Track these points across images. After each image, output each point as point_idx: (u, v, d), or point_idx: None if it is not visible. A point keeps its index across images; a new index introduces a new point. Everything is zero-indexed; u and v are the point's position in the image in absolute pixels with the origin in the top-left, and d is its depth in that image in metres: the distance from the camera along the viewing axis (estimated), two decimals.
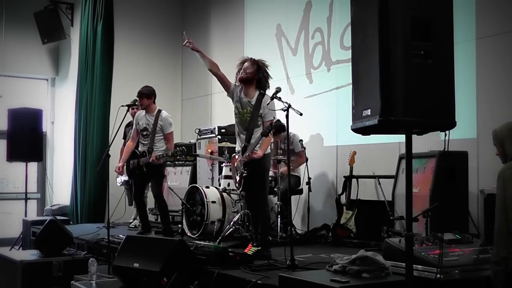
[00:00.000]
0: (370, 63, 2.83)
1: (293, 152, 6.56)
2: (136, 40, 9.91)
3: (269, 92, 5.19)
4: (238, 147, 5.34)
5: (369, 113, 2.83)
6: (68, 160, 9.60)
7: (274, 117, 5.20)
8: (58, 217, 7.16)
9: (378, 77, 2.74)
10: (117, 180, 7.94)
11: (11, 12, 9.71)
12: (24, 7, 9.78)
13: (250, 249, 5.03)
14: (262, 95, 5.15)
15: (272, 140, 6.89)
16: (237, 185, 5.33)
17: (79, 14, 9.55)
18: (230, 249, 4.89)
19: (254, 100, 5.14)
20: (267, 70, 5.23)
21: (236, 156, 5.33)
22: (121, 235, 6.06)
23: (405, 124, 2.84)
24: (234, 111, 5.27)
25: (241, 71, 5.17)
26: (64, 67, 10.25)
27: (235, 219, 6.13)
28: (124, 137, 8.01)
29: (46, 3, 9.78)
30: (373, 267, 3.45)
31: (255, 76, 5.14)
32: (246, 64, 5.18)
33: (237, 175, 5.26)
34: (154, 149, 6.37)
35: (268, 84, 5.25)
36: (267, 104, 5.06)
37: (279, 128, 6.13)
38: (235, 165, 5.30)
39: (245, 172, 5.07)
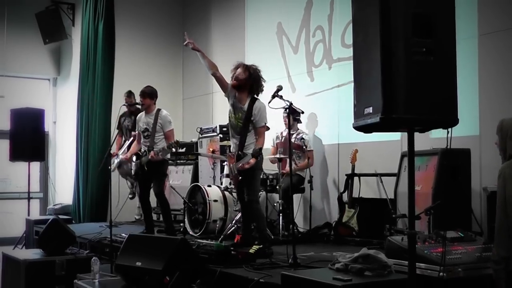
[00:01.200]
0: (371, 61, 2.82)
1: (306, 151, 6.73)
2: (137, 40, 9.91)
3: (263, 96, 5.31)
4: (232, 147, 5.46)
5: (371, 111, 2.82)
6: (70, 159, 9.61)
7: (265, 123, 5.34)
8: (61, 216, 7.16)
9: (379, 75, 2.74)
10: (112, 167, 7.83)
11: (13, 12, 9.72)
12: (26, 7, 9.79)
13: (248, 247, 5.05)
14: (254, 100, 5.27)
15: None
16: (233, 183, 5.53)
17: (80, 14, 9.56)
18: (232, 248, 4.90)
19: (246, 106, 5.27)
20: (260, 75, 5.33)
21: (231, 156, 5.44)
22: (123, 234, 6.06)
23: (407, 122, 2.83)
24: (228, 114, 5.43)
25: (234, 77, 5.28)
26: (66, 67, 10.25)
27: (237, 217, 6.14)
28: (118, 127, 8.04)
29: (47, 3, 9.78)
30: (375, 265, 3.44)
31: (248, 82, 5.25)
32: (238, 70, 5.28)
33: (233, 174, 5.40)
34: (155, 148, 6.37)
35: (262, 88, 5.35)
36: (260, 110, 5.21)
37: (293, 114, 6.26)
38: (231, 166, 5.42)
39: (240, 177, 5.26)
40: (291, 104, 4.92)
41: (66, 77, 10.23)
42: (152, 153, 6.25)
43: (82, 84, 9.32)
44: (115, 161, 7.86)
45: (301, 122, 6.87)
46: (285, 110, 5.13)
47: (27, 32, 9.84)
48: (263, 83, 5.34)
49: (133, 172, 6.72)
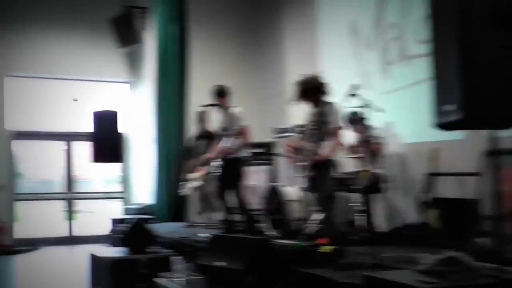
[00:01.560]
0: (450, 57, 2.75)
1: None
2: (211, 42, 10.06)
3: (339, 95, 5.49)
4: (308, 150, 5.69)
5: (452, 108, 2.76)
6: (149, 160, 9.89)
7: (340, 125, 5.63)
8: (142, 216, 7.40)
9: (459, 71, 2.67)
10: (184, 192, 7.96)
11: (87, 18, 10.16)
12: (99, 13, 10.16)
13: (326, 247, 5.01)
14: (328, 104, 5.59)
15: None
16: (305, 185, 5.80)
17: (153, 18, 9.81)
18: (311, 248, 4.87)
19: (321, 110, 5.58)
20: (311, 77, 5.66)
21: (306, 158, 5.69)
22: (203, 234, 6.18)
23: (491, 119, 2.73)
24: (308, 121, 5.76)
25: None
26: (141, 70, 10.57)
27: (315, 217, 6.11)
28: (192, 151, 8.09)
29: (120, 8, 10.09)
30: (461, 268, 3.34)
31: (303, 91, 5.61)
32: (299, 91, 5.63)
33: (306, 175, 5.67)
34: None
35: (323, 85, 5.63)
36: (333, 112, 5.56)
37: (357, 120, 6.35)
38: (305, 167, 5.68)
39: (311, 174, 5.53)
40: (369, 102, 4.94)
41: (142, 80, 10.56)
42: (222, 147, 6.31)
43: (157, 87, 9.55)
44: (187, 189, 7.94)
45: (367, 120, 6.75)
46: (349, 121, 5.77)
47: (101, 37, 10.20)
48: (320, 80, 5.63)
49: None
